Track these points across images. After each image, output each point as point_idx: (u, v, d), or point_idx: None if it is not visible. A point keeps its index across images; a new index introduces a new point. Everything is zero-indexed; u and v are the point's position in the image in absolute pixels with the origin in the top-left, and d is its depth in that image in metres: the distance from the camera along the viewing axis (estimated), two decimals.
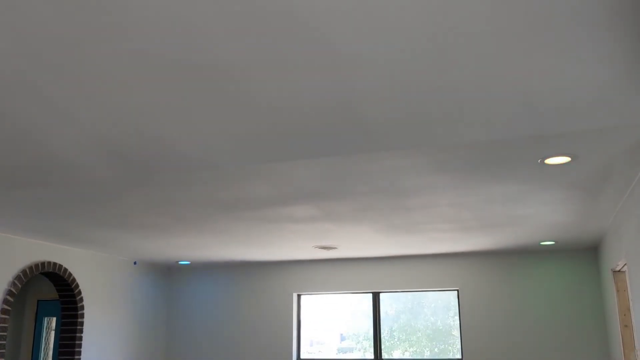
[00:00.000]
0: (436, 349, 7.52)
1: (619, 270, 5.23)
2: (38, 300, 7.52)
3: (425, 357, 7.50)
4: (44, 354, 7.37)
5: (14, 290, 5.52)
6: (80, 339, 6.35)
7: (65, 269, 6.22)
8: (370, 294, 7.70)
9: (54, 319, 7.46)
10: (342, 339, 8.14)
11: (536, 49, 2.28)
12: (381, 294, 7.69)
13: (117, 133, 3.10)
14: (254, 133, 3.01)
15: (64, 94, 2.79)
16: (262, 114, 2.84)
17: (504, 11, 2.09)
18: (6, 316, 5.42)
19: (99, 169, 3.53)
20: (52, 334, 7.43)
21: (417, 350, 7.60)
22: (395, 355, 7.59)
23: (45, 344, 7.41)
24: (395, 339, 7.68)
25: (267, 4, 2.11)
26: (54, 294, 7.15)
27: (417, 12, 2.10)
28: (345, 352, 7.99)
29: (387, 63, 2.41)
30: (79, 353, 6.30)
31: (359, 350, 7.82)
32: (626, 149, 3.15)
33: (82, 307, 6.45)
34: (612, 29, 2.15)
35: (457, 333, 7.32)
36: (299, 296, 7.97)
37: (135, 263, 7.55)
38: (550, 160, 3.30)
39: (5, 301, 5.42)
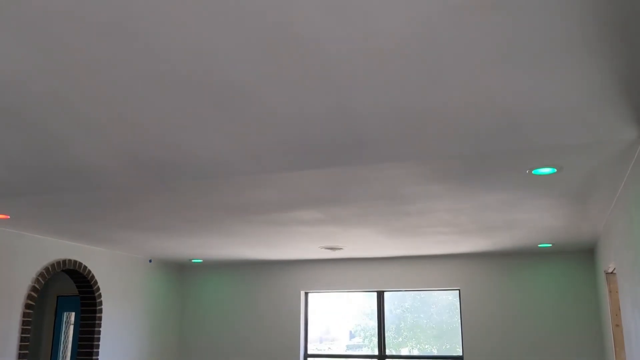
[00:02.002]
0: (442, 347, 7.80)
1: (610, 272, 5.48)
2: (57, 296, 7.86)
3: (425, 354, 7.78)
4: (63, 347, 7.73)
5: (37, 287, 5.86)
6: (99, 333, 6.69)
7: (85, 267, 6.56)
8: (375, 293, 7.98)
9: (73, 314, 7.81)
10: (352, 336, 8.43)
11: (520, 70, 2.55)
12: (388, 294, 7.97)
13: (138, 144, 3.41)
14: (264, 145, 3.30)
15: (92, 108, 3.09)
16: (272, 127, 3.12)
17: (489, 37, 2.36)
18: (30, 311, 5.76)
19: (121, 176, 3.83)
20: (71, 328, 7.78)
21: (422, 347, 7.87)
22: (402, 352, 7.86)
23: (65, 337, 7.76)
24: (401, 338, 7.94)
25: (277, 30, 2.40)
26: (72, 290, 7.49)
27: (410, 37, 2.38)
28: (354, 349, 8.29)
29: (385, 83, 2.69)
30: (97, 347, 6.64)
31: (367, 347, 8.11)
32: (607, 162, 3.39)
33: (101, 303, 6.79)
34: (590, 53, 2.40)
35: (459, 331, 7.58)
36: (306, 294, 8.27)
37: (150, 261, 7.88)
38: (537, 171, 3.56)
39: (30, 297, 5.76)
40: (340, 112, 2.94)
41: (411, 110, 2.88)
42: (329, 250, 6.96)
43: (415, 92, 2.74)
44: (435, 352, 7.79)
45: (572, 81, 2.59)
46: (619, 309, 5.38)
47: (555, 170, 3.50)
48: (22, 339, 5.60)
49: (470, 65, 2.54)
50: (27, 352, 5.65)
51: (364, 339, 8.19)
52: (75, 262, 6.41)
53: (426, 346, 7.87)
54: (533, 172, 3.54)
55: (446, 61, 2.52)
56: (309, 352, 8.11)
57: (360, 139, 3.15)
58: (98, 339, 6.66)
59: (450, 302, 7.84)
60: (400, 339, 7.91)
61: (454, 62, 2.52)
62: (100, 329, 6.73)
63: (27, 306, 5.71)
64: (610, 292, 5.53)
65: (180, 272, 8.70)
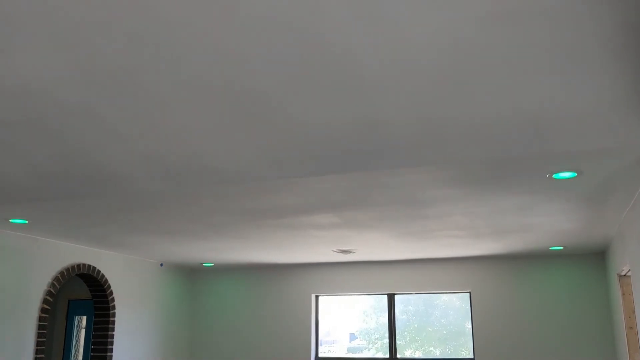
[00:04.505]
0: (447, 349, 7.83)
1: (624, 275, 5.50)
2: (69, 300, 7.89)
3: (436, 357, 7.81)
4: (75, 351, 7.75)
5: (52, 291, 5.89)
6: (112, 337, 6.72)
7: (99, 271, 6.59)
8: (386, 296, 8.01)
9: (84, 317, 7.83)
10: (353, 338, 8.46)
11: (544, 77, 2.58)
12: (395, 296, 8.00)
13: (161, 150, 3.44)
14: (288, 151, 3.33)
15: (118, 116, 3.12)
16: (294, 133, 3.15)
17: (516, 45, 2.40)
18: (46, 315, 5.79)
19: (142, 182, 3.86)
20: (83, 332, 7.80)
21: (427, 349, 7.91)
22: (406, 354, 7.88)
23: (76, 341, 7.79)
24: (403, 340, 7.96)
25: (307, 40, 2.43)
26: (84, 294, 7.52)
27: (439, 46, 2.42)
28: (355, 352, 8.32)
29: (412, 91, 2.73)
30: (111, 350, 6.66)
31: (368, 349, 8.14)
32: (627, 166, 3.42)
33: (114, 307, 6.81)
34: (614, 60, 2.44)
35: (467, 333, 7.61)
36: (317, 297, 8.29)
37: (161, 265, 7.91)
38: (558, 175, 3.59)
39: (45, 301, 5.79)
40: (365, 120, 2.97)
41: (436, 117, 2.91)
42: (340, 254, 6.99)
43: (441, 99, 2.77)
44: (438, 354, 7.82)
45: (596, 87, 2.62)
46: (633, 312, 5.41)
47: (576, 174, 3.53)
48: (38, 343, 5.63)
49: (496, 73, 2.57)
50: (43, 356, 5.67)
51: (368, 342, 8.22)
52: (89, 266, 6.44)
53: (430, 349, 7.90)
54: (554, 176, 3.57)
55: (473, 69, 2.56)
56: (320, 355, 8.13)
57: (383, 145, 3.18)
58: (112, 343, 6.69)
59: (454, 304, 7.86)
60: (402, 342, 7.93)
61: (481, 70, 2.56)
62: (114, 333, 6.76)
63: (42, 310, 5.74)
64: (623, 294, 5.55)
65: (191, 275, 8.73)
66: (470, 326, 7.63)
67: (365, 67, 2.59)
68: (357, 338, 8.41)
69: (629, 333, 5.47)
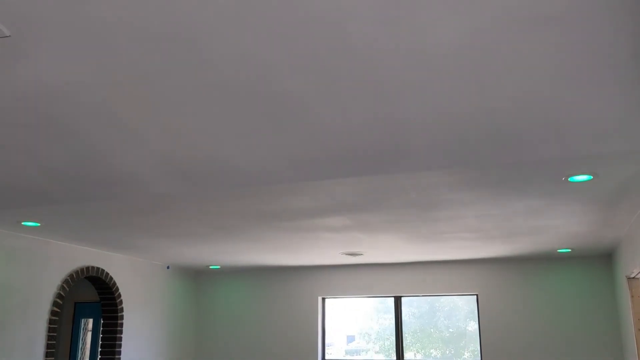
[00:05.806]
0: (449, 351, 7.84)
1: (633, 277, 5.52)
2: (75, 303, 7.88)
3: (444, 359, 7.82)
4: (81, 354, 7.74)
5: (62, 294, 5.89)
6: (120, 339, 6.71)
7: (107, 273, 6.58)
8: (388, 298, 8.02)
9: (91, 320, 7.82)
10: (350, 340, 8.47)
11: (565, 83, 2.60)
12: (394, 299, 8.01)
13: (179, 153, 3.44)
14: (307, 154, 3.34)
15: (138, 119, 3.13)
16: (317, 137, 3.16)
17: (539, 49, 2.41)
18: (56, 318, 5.78)
19: (159, 185, 3.87)
20: (89, 334, 7.79)
21: (428, 351, 7.92)
22: (408, 356, 7.89)
23: (82, 344, 7.77)
24: (407, 341, 7.98)
25: (331, 41, 2.44)
26: (90, 296, 7.51)
27: (462, 48, 2.43)
28: (353, 354, 8.33)
29: (435, 94, 2.74)
30: (120, 353, 6.66)
31: (366, 352, 8.15)
32: None
33: (122, 310, 6.81)
34: (632, 66, 2.46)
35: (469, 335, 7.62)
36: (323, 299, 8.30)
37: (168, 267, 7.91)
38: (573, 179, 3.61)
39: (55, 304, 5.78)
40: (387, 122, 2.99)
41: (458, 120, 2.92)
42: (348, 256, 6.99)
43: (464, 102, 2.79)
44: (440, 356, 7.84)
45: (616, 92, 2.65)
46: None
47: (592, 177, 3.55)
48: (48, 346, 5.63)
49: (519, 76, 2.59)
50: (53, 359, 5.67)
51: (367, 343, 8.23)
52: (98, 269, 6.44)
53: (431, 350, 7.91)
54: (570, 179, 3.59)
55: (496, 72, 2.58)
56: (326, 357, 8.13)
57: (403, 148, 3.19)
58: (120, 345, 6.68)
59: (457, 306, 7.88)
60: (404, 343, 7.93)
61: (503, 73, 2.58)
62: (122, 335, 6.76)
63: (52, 313, 5.73)
64: (632, 296, 5.57)
65: (197, 278, 8.73)
66: (472, 328, 7.65)
67: (388, 70, 2.61)
68: (354, 340, 8.42)
69: (638, 335, 5.49)
